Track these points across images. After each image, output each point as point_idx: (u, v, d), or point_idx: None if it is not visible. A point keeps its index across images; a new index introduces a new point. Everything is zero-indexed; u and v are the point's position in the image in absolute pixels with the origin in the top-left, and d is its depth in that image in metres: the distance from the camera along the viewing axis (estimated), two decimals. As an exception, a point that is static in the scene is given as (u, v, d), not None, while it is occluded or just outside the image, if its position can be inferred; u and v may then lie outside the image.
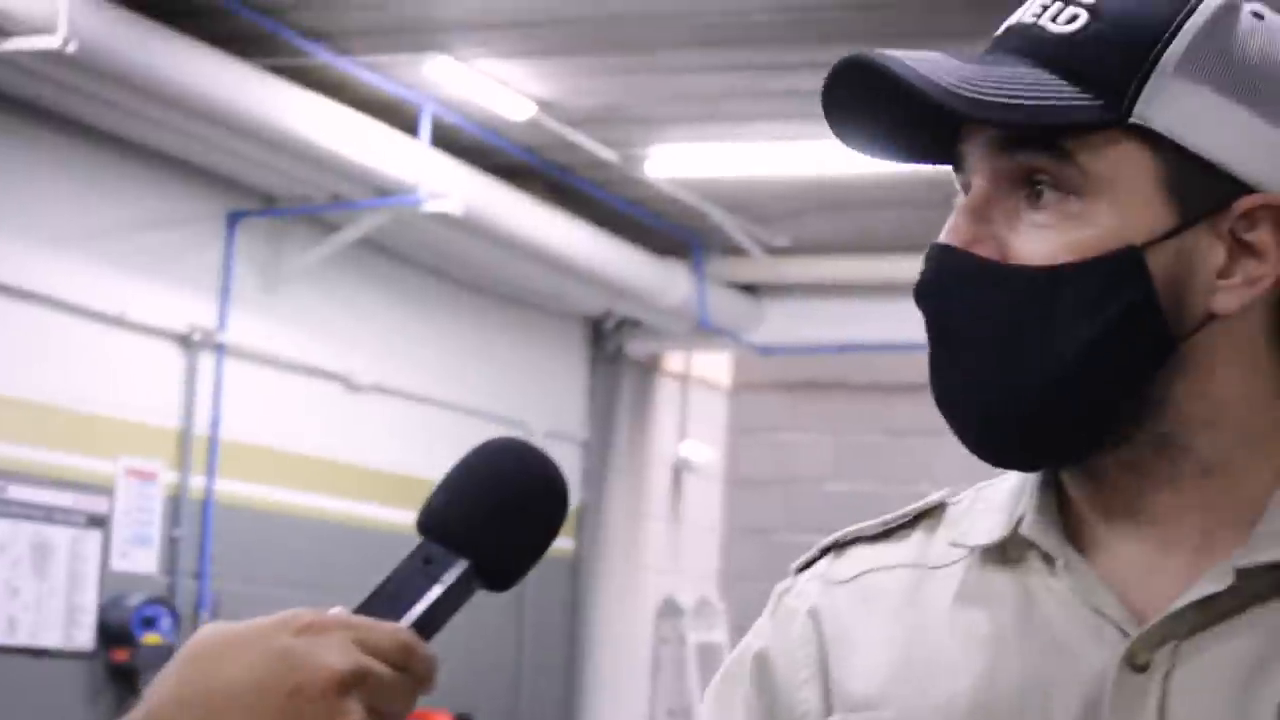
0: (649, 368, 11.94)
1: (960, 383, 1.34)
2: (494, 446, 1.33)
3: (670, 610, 11.53)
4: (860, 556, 1.47)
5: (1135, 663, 1.31)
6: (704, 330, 11.09)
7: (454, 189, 8.81)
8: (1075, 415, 1.31)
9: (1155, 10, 1.31)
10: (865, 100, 1.34)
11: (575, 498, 11.24)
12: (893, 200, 9.34)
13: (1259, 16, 1.34)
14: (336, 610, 1.21)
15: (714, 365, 12.40)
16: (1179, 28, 1.30)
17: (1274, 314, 1.34)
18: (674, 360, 12.14)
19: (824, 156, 9.12)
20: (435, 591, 1.25)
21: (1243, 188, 1.30)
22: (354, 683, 1.16)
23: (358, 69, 8.35)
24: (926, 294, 1.35)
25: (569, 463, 11.31)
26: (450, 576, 1.26)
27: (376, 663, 1.17)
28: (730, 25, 7.76)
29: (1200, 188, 1.30)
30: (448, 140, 8.97)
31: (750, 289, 11.45)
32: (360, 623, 1.20)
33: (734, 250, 10.95)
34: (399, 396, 9.89)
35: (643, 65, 8.38)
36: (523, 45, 8.21)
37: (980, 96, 1.28)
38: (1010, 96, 1.29)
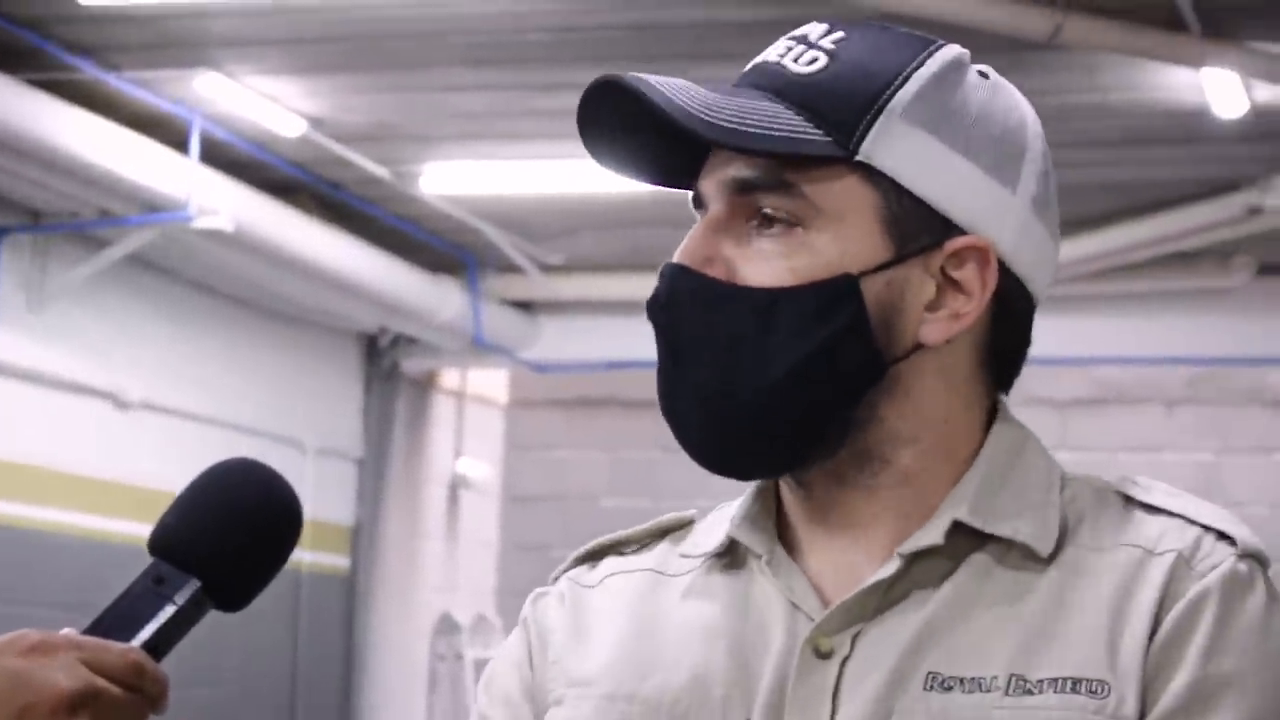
0: (424, 385, 11.90)
1: (684, 394, 1.43)
2: (226, 467, 1.35)
3: (447, 627, 11.49)
4: (608, 564, 1.57)
5: (820, 649, 1.42)
6: (479, 347, 11.07)
7: (224, 205, 8.73)
8: (787, 428, 1.41)
9: (889, 59, 1.43)
10: (617, 121, 1.44)
11: (350, 515, 11.28)
12: (665, 218, 9.37)
13: (984, 75, 1.47)
14: (66, 631, 1.22)
15: (490, 382, 12.39)
16: (909, 77, 1.42)
17: (978, 343, 1.47)
18: (450, 377, 12.10)
19: (596, 175, 9.04)
20: (167, 611, 1.27)
21: (955, 229, 1.43)
22: (83, 703, 1.17)
23: (125, 84, 8.23)
24: (658, 309, 1.43)
25: (344, 480, 11.24)
26: (181, 596, 1.28)
27: (106, 683, 1.18)
28: (502, 44, 7.77)
29: (916, 226, 1.42)
30: (218, 156, 8.88)
31: (525, 306, 11.45)
32: (89, 643, 1.21)
33: (508, 267, 10.95)
34: (170, 414, 9.78)
35: (414, 83, 8.36)
36: (293, 62, 8.15)
37: (718, 122, 1.38)
38: (746, 125, 1.38)
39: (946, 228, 1.42)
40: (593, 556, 1.59)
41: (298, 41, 7.91)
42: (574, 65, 7.70)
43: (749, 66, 1.46)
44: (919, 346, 1.43)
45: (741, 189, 1.42)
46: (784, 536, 1.49)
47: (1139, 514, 1.45)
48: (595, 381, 11.72)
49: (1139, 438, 11.49)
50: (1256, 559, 1.42)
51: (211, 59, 8.11)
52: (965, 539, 1.44)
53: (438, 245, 10.68)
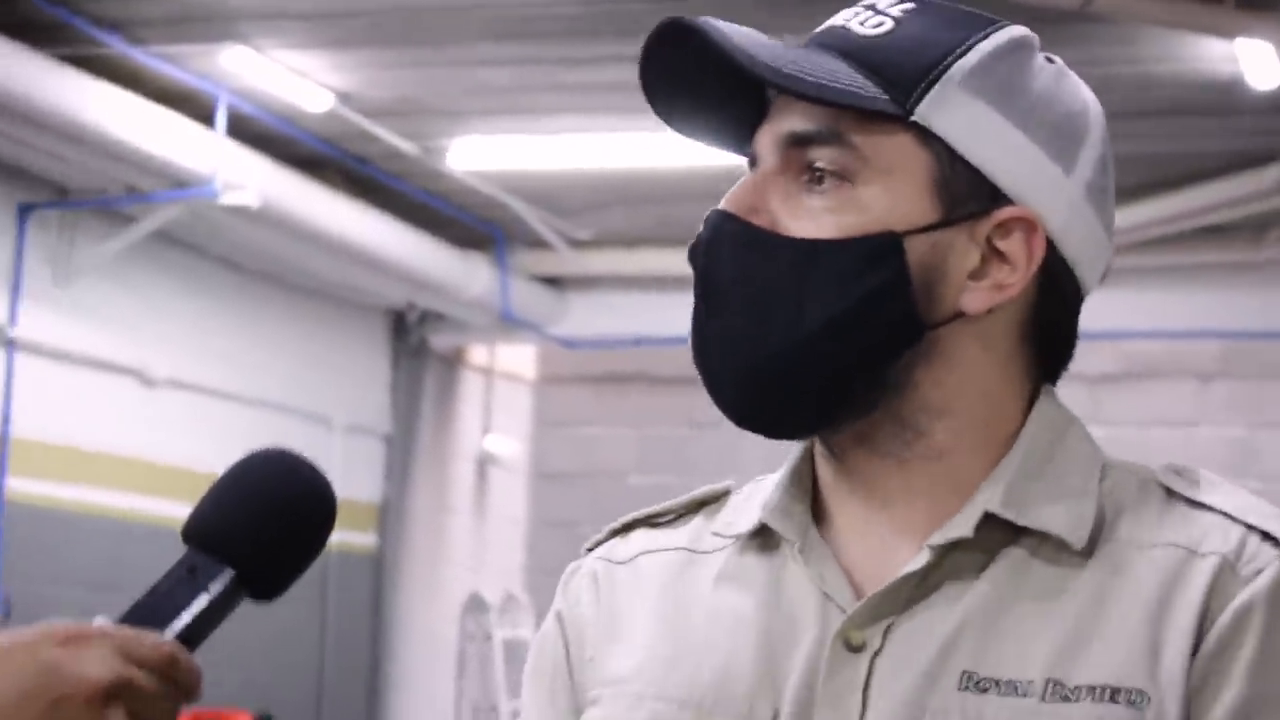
0: (452, 361, 11.88)
1: (715, 342, 1.42)
2: (261, 456, 1.34)
3: (475, 606, 11.48)
4: (640, 540, 1.55)
5: (851, 643, 1.40)
6: (507, 323, 11.07)
7: (251, 181, 8.72)
8: (817, 382, 1.40)
9: (954, 31, 1.44)
10: (679, 70, 1.43)
11: (378, 493, 11.30)
12: (693, 193, 9.32)
13: (1050, 60, 1.47)
14: (100, 621, 1.21)
15: (518, 358, 12.37)
16: (971, 47, 1.42)
17: (1022, 321, 1.45)
18: (478, 354, 12.09)
19: (625, 149, 9.12)
20: (200, 601, 1.26)
21: (1004, 200, 1.41)
22: (117, 693, 1.16)
23: (152, 59, 8.22)
24: (699, 253, 1.43)
25: (371, 458, 11.24)
26: (215, 586, 1.27)
27: (140, 673, 1.18)
28: (530, 18, 7.74)
29: (966, 191, 1.41)
30: (244, 131, 8.86)
31: (553, 282, 11.45)
32: (123, 633, 1.20)
33: (537, 243, 10.94)
34: (196, 391, 9.77)
35: (441, 57, 8.34)
36: (320, 36, 8.13)
37: (779, 67, 1.38)
38: (806, 74, 1.39)
39: (996, 197, 1.41)
40: (626, 529, 1.58)
41: (325, 16, 7.90)
42: (601, 39, 7.66)
43: (817, 30, 1.47)
44: (960, 315, 1.41)
45: (796, 142, 1.42)
46: (819, 513, 1.47)
47: (1181, 509, 1.42)
48: (624, 357, 11.70)
49: (1172, 413, 11.44)
50: None
51: (238, 33, 8.10)
52: (999, 530, 1.41)
53: (466, 220, 10.66)
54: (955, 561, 1.40)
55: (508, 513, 12.23)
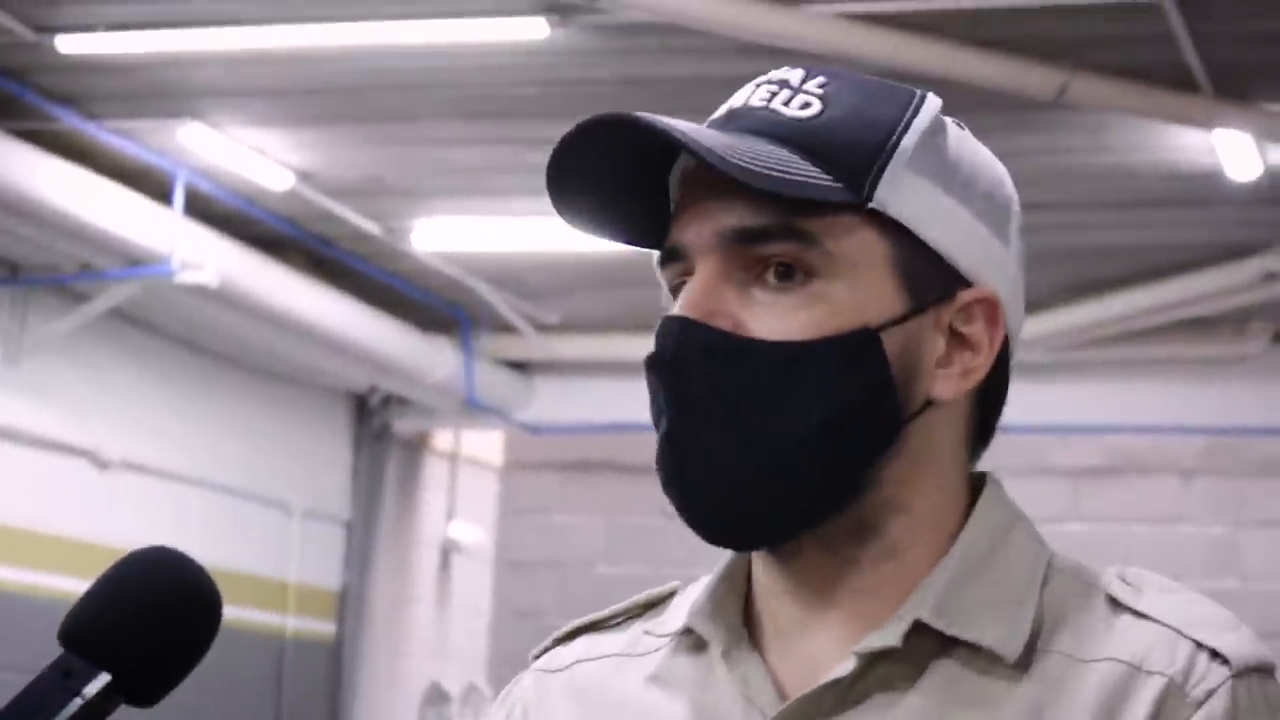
0: (416, 446, 11.79)
1: (693, 459, 1.34)
2: (142, 556, 1.32)
3: (436, 697, 11.31)
4: (580, 646, 1.51)
5: None
6: (472, 408, 10.96)
7: (209, 259, 8.61)
8: (804, 493, 1.33)
9: (883, 107, 1.37)
10: (593, 169, 1.37)
11: (337, 580, 11.17)
12: (662, 278, 9.24)
13: (961, 127, 1.42)
14: None
15: (484, 444, 12.27)
16: (909, 125, 1.36)
17: (973, 403, 1.40)
18: (442, 439, 11.99)
19: (591, 236, 8.98)
20: (73, 705, 1.23)
21: (962, 281, 1.37)
22: None
23: (107, 134, 8.14)
24: (663, 364, 1.34)
25: (331, 544, 11.15)
26: (90, 690, 1.24)
27: None
28: (493, 98, 7.66)
29: (928, 278, 1.35)
30: (203, 209, 8.77)
31: (520, 366, 11.36)
32: None
33: (503, 327, 10.86)
34: (151, 474, 9.64)
35: (405, 136, 8.26)
36: (280, 113, 8.05)
37: (745, 164, 1.30)
38: (760, 164, 1.31)
39: (954, 280, 1.37)
40: (569, 637, 1.52)
41: (285, 92, 7.81)
42: (567, 119, 7.47)
43: (723, 112, 1.39)
44: (928, 404, 1.36)
45: (745, 238, 1.34)
46: (752, 614, 1.41)
47: (1126, 620, 1.34)
48: (593, 444, 11.57)
49: (1153, 509, 11.30)
50: (1259, 670, 1.32)
51: (196, 109, 8.02)
52: (929, 640, 1.34)
53: (430, 303, 10.57)
54: (884, 672, 1.33)
55: (471, 602, 12.08)
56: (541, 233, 9.25)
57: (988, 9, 6.58)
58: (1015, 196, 1.43)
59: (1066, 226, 8.94)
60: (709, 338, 1.33)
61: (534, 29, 6.94)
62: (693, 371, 1.33)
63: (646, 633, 1.47)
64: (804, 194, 1.31)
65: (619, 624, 1.51)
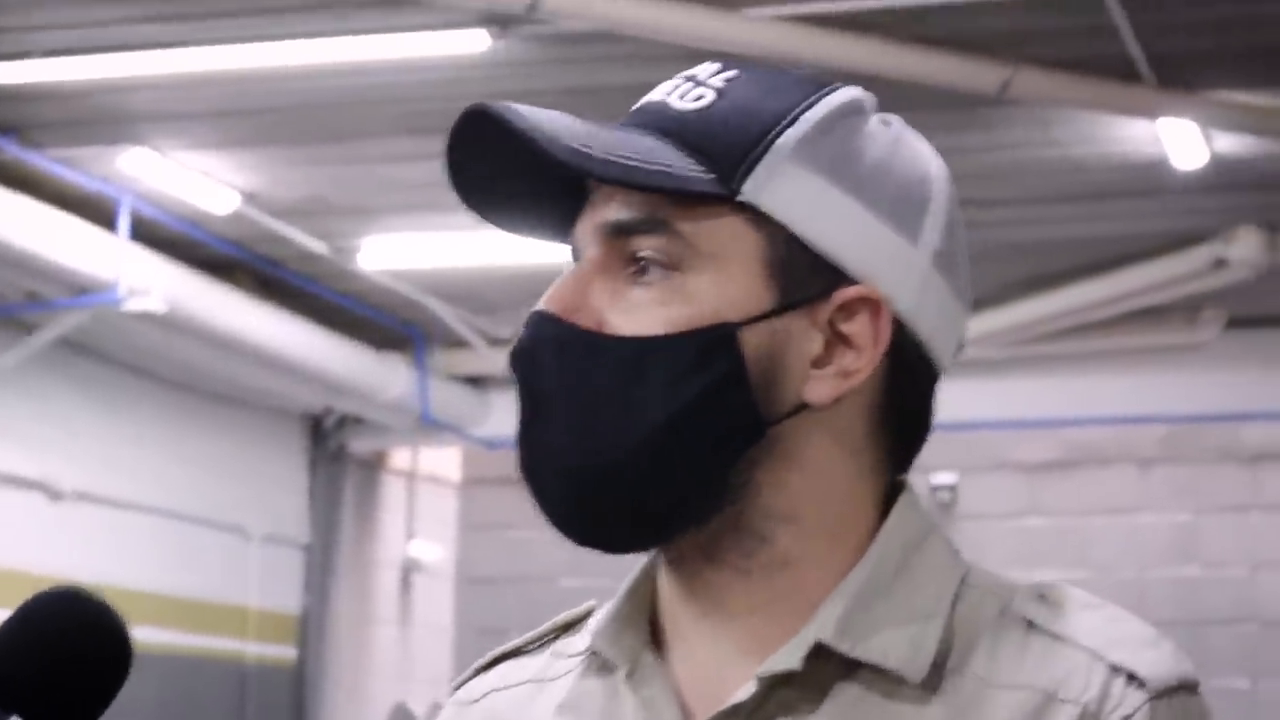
0: (373, 465, 11.76)
1: (542, 455, 1.32)
2: (50, 597, 1.30)
3: (402, 717, 11.24)
4: (497, 674, 1.47)
5: None
6: (429, 425, 10.92)
7: (156, 285, 8.56)
8: (653, 493, 1.29)
9: (780, 99, 1.33)
10: (491, 161, 1.34)
11: (297, 604, 11.12)
12: (614, 287, 9.21)
13: (886, 123, 1.36)
14: None
15: (441, 461, 12.23)
16: (798, 116, 1.31)
17: (871, 408, 1.33)
18: (399, 457, 11.96)
19: (542, 244, 8.94)
20: None
21: (846, 279, 1.31)
22: None
23: (49, 162, 8.11)
24: (520, 360, 1.32)
25: (290, 567, 11.12)
26: None
27: None
28: (436, 112, 7.62)
29: (803, 274, 1.30)
30: (148, 235, 8.72)
31: (475, 381, 11.33)
32: None
33: (456, 342, 10.82)
34: (105, 504, 9.60)
35: (350, 154, 8.23)
36: (223, 135, 8.02)
37: (589, 152, 1.27)
38: (619, 157, 1.28)
39: (837, 277, 1.30)
40: (489, 665, 1.49)
41: (228, 114, 7.79)
42: (511, 131, 7.51)
43: (634, 108, 1.35)
44: (803, 407, 1.30)
45: (617, 232, 1.31)
46: (660, 631, 1.36)
47: (1043, 642, 1.30)
48: (550, 457, 11.51)
49: (1112, 500, 11.33)
50: (1178, 689, 1.28)
51: (138, 134, 8.00)
52: (832, 662, 1.29)
53: (382, 321, 10.53)
54: (786, 695, 1.29)
55: (434, 620, 12.04)
56: (491, 246, 9.21)
57: (928, 6, 6.58)
58: (941, 193, 1.36)
59: (1015, 222, 8.95)
60: (562, 332, 1.30)
61: (475, 41, 6.92)
62: (545, 366, 1.31)
63: (555, 654, 1.44)
64: (652, 183, 1.28)
65: (537, 648, 1.48)
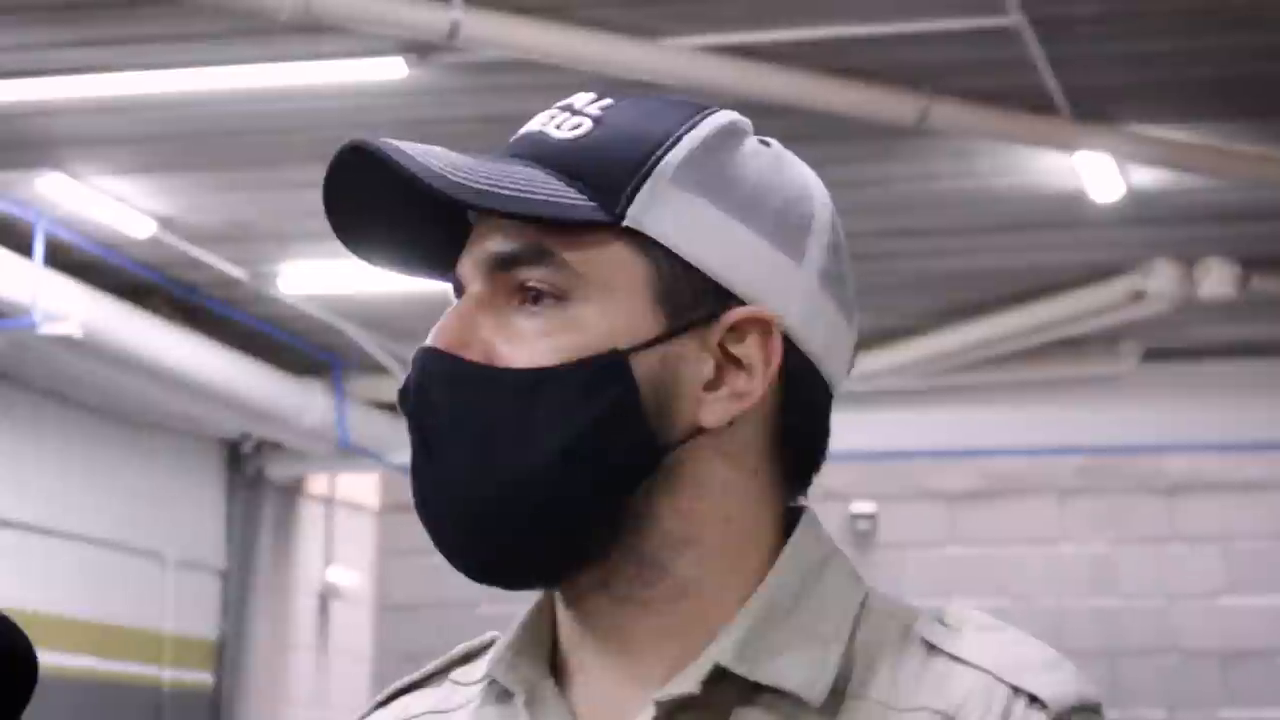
0: (291, 491, 11.68)
1: (436, 492, 1.30)
2: None
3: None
4: (396, 708, 1.46)
5: None
6: (346, 451, 10.85)
7: (72, 310, 8.49)
8: (549, 525, 1.28)
9: (658, 123, 1.33)
10: (369, 198, 1.33)
11: (214, 630, 11.04)
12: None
13: (765, 144, 1.37)
14: None
15: (360, 487, 12.18)
16: (679, 139, 1.31)
17: (767, 429, 1.33)
18: (317, 483, 11.89)
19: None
20: None
21: (734, 300, 1.31)
22: None
23: (-37, 185, 7.99)
24: (409, 397, 1.30)
25: (207, 593, 11.04)
26: None
27: None
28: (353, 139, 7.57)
29: (691, 297, 1.30)
30: (64, 259, 8.65)
31: (393, 407, 11.11)
32: None
33: (374, 368, 10.77)
34: (19, 529, 9.50)
35: (267, 180, 8.19)
36: (141, 161, 7.97)
37: (466, 182, 1.27)
38: (499, 187, 1.27)
39: (725, 299, 1.30)
40: (390, 699, 1.47)
41: (145, 139, 7.75)
42: (429, 157, 7.50)
43: (512, 139, 1.35)
44: (698, 431, 1.30)
45: (501, 264, 1.30)
46: (559, 660, 1.35)
47: (943, 664, 1.30)
48: (470, 483, 11.49)
49: (1032, 530, 11.38)
50: (1080, 710, 1.27)
51: (55, 159, 7.94)
52: (732, 687, 1.28)
53: (299, 346, 10.48)
54: (679, 718, 1.27)
55: (352, 647, 11.98)
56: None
57: (845, 38, 6.59)
58: (824, 212, 1.36)
59: (935, 252, 8.98)
60: (450, 367, 1.29)
61: (393, 69, 6.90)
62: (435, 403, 1.29)
63: (454, 682, 1.43)
64: (534, 211, 1.27)
65: (437, 680, 1.46)
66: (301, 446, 10.94)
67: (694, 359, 1.30)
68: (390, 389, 10.92)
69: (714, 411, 1.30)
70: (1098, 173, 7.70)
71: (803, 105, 6.63)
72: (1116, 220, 8.40)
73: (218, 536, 11.20)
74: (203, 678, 10.91)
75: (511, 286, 1.30)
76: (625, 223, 1.29)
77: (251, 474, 11.27)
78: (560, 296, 1.29)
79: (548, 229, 1.28)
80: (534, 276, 1.29)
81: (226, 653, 11.04)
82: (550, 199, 1.28)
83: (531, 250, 1.29)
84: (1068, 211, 8.33)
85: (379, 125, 7.43)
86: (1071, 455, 11.04)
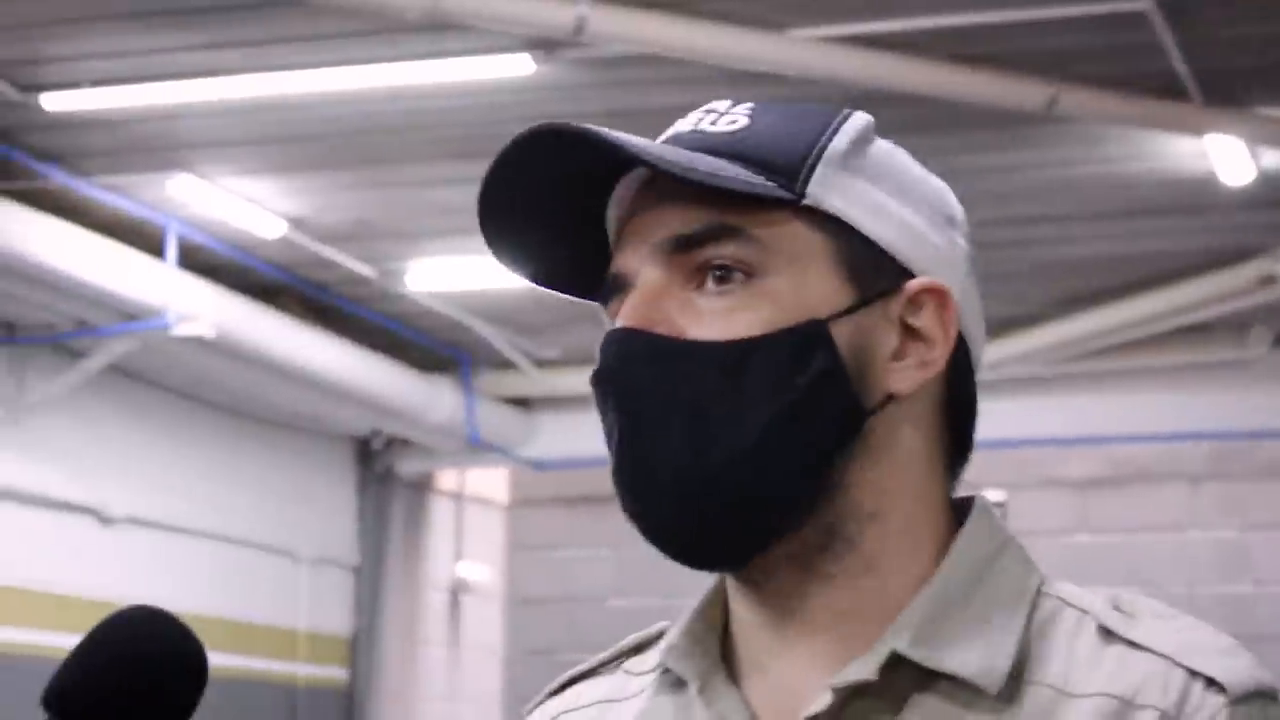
0: (420, 487, 11.72)
1: (651, 469, 1.29)
2: (126, 617, 1.30)
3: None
4: (568, 697, 1.47)
5: None
6: (475, 447, 10.89)
7: (204, 311, 8.58)
8: (768, 490, 1.29)
9: (806, 121, 1.37)
10: (527, 185, 1.34)
11: (348, 626, 11.11)
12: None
13: (896, 147, 1.41)
14: None
15: (488, 482, 12.20)
16: (837, 129, 1.36)
17: (941, 397, 1.36)
18: (446, 478, 11.93)
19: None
20: None
21: (907, 273, 1.34)
22: None
23: (97, 190, 8.12)
24: (608, 378, 1.31)
25: (340, 589, 11.09)
26: None
27: None
28: (481, 136, 7.64)
29: (872, 270, 1.33)
30: (196, 261, 8.75)
31: (521, 402, 11.30)
32: None
33: (502, 364, 10.80)
34: (156, 528, 9.60)
35: (395, 178, 8.24)
36: (269, 161, 8.04)
37: (669, 156, 1.29)
38: (694, 165, 1.29)
39: (899, 273, 1.34)
40: (562, 688, 1.48)
41: (274, 141, 7.81)
42: (555, 154, 7.52)
43: (663, 138, 1.37)
44: (889, 399, 1.32)
45: (682, 246, 1.31)
46: (731, 647, 1.36)
47: (1118, 650, 1.29)
48: (597, 477, 11.41)
49: (1161, 517, 11.27)
50: (1257, 695, 1.27)
51: (185, 161, 8.01)
52: (908, 672, 1.28)
53: (428, 344, 10.52)
54: (862, 706, 1.28)
55: (483, 641, 12.01)
56: (537, 269, 9.22)
57: (972, 26, 6.56)
58: (959, 209, 1.41)
59: (1063, 239, 8.91)
60: (653, 343, 1.29)
61: (519, 65, 6.93)
62: (639, 380, 1.30)
63: (627, 672, 1.44)
64: (740, 188, 1.29)
65: (610, 669, 1.47)
66: (431, 443, 11.00)
67: (880, 330, 1.32)
68: (518, 384, 10.98)
69: (904, 379, 1.33)
70: (1228, 156, 7.62)
71: (930, 94, 6.60)
72: (1247, 204, 8.31)
73: (349, 533, 11.27)
74: (338, 673, 10.98)
75: (690, 268, 1.31)
76: (805, 201, 1.32)
77: (382, 471, 11.33)
78: (750, 272, 1.30)
79: (727, 208, 1.30)
80: (723, 253, 1.30)
81: (359, 648, 11.11)
82: (739, 177, 1.30)
83: (717, 228, 1.30)
84: (1198, 196, 8.25)
85: (506, 122, 7.47)
86: (1201, 441, 10.93)
